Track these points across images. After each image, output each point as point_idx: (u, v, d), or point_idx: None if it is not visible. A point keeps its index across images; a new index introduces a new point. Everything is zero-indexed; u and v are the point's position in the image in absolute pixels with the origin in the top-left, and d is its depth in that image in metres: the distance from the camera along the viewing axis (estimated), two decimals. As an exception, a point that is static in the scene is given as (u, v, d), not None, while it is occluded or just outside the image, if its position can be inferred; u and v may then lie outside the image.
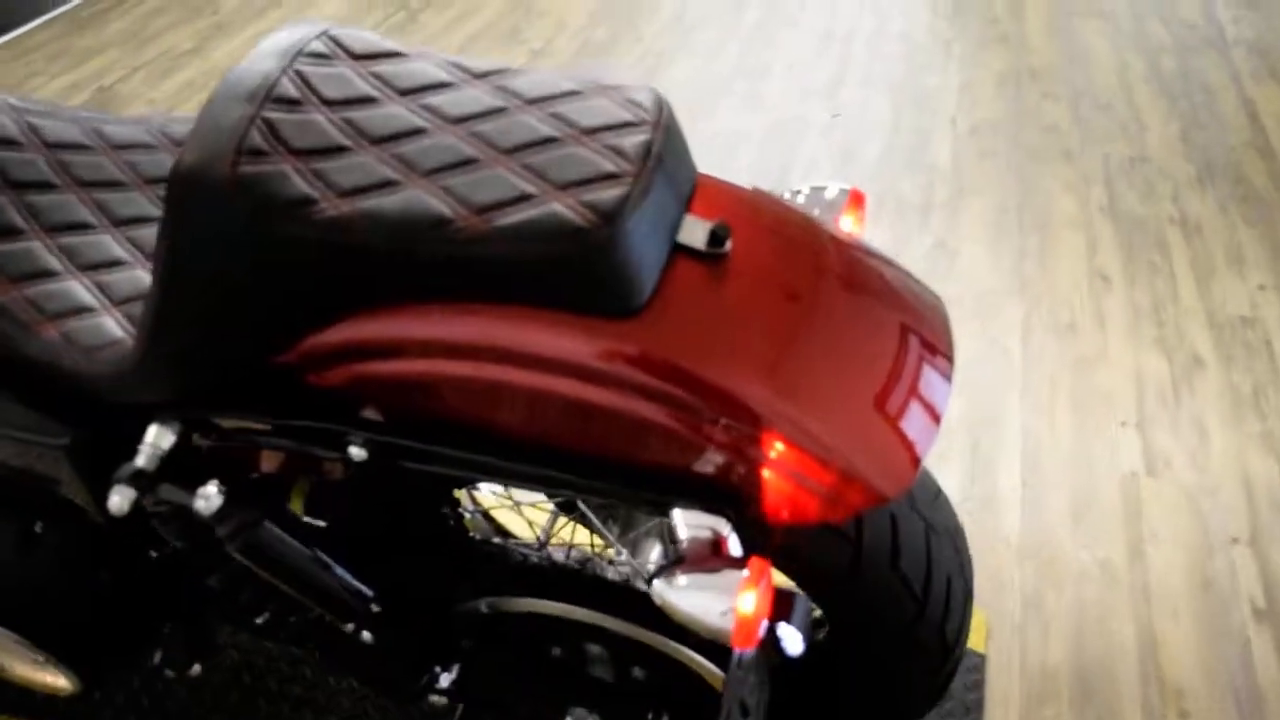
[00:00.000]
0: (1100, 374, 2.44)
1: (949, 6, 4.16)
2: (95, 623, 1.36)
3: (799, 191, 1.22)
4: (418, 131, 1.02)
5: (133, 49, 4.11)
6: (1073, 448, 2.25)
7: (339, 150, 1.00)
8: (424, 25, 4.15)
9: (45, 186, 1.24)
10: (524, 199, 0.95)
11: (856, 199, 1.20)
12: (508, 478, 1.05)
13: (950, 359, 1.08)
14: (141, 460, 1.09)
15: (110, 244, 1.23)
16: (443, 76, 1.08)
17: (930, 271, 2.75)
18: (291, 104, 1.02)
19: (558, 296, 0.95)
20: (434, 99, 1.06)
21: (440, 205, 0.95)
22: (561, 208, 0.93)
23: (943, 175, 3.15)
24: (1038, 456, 2.23)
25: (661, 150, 1.00)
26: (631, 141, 0.99)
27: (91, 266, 1.20)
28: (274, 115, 1.00)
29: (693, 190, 1.07)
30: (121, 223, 1.26)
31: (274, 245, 0.95)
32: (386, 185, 0.97)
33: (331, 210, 0.94)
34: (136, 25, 4.33)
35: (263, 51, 1.06)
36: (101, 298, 1.17)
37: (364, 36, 1.11)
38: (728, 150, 3.22)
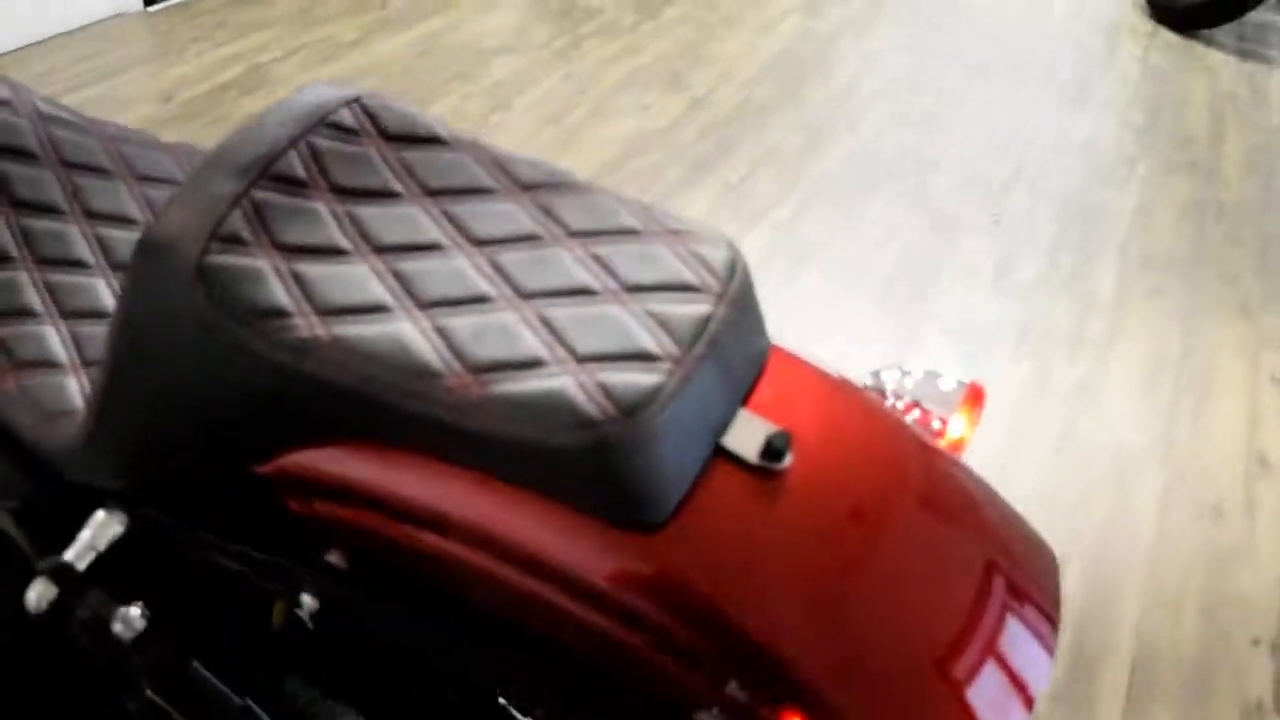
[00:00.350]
0: (1240, 575, 2.15)
1: (1141, 119, 3.86)
2: (38, 690, 1.21)
3: (908, 373, 1.02)
4: (431, 247, 0.84)
5: (296, 30, 4.07)
6: (1193, 659, 1.97)
7: (333, 253, 0.82)
8: (585, 54, 4.02)
9: (49, 211, 1.09)
10: (532, 365, 0.76)
11: (975, 396, 0.99)
12: (475, 674, 0.87)
13: (1055, 623, 0.86)
14: (71, 554, 0.93)
15: (102, 291, 1.08)
16: (481, 179, 0.90)
17: (1067, 417, 2.49)
18: (292, 185, 0.85)
19: (557, 490, 0.76)
20: (462, 206, 0.87)
21: (430, 352, 0.77)
22: (574, 387, 0.74)
23: (1101, 308, 2.87)
24: (1152, 662, 1.96)
25: (720, 330, 0.80)
26: (684, 313, 0.80)
27: (74, 314, 1.05)
28: (266, 196, 0.83)
29: (757, 376, 0.87)
30: (122, 267, 1.11)
31: (232, 353, 0.78)
32: (376, 311, 0.79)
33: (304, 330, 0.77)
34: (304, 6, 4.29)
35: (277, 113, 0.89)
36: (74, 354, 1.02)
37: (404, 112, 0.94)
38: (876, 244, 2.99)
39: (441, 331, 0.78)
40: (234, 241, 0.81)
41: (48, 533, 1.03)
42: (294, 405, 0.79)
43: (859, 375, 1.04)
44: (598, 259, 0.84)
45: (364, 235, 0.85)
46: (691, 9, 4.50)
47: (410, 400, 0.76)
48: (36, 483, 1.00)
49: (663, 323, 0.79)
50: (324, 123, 0.90)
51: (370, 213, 0.86)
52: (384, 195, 0.88)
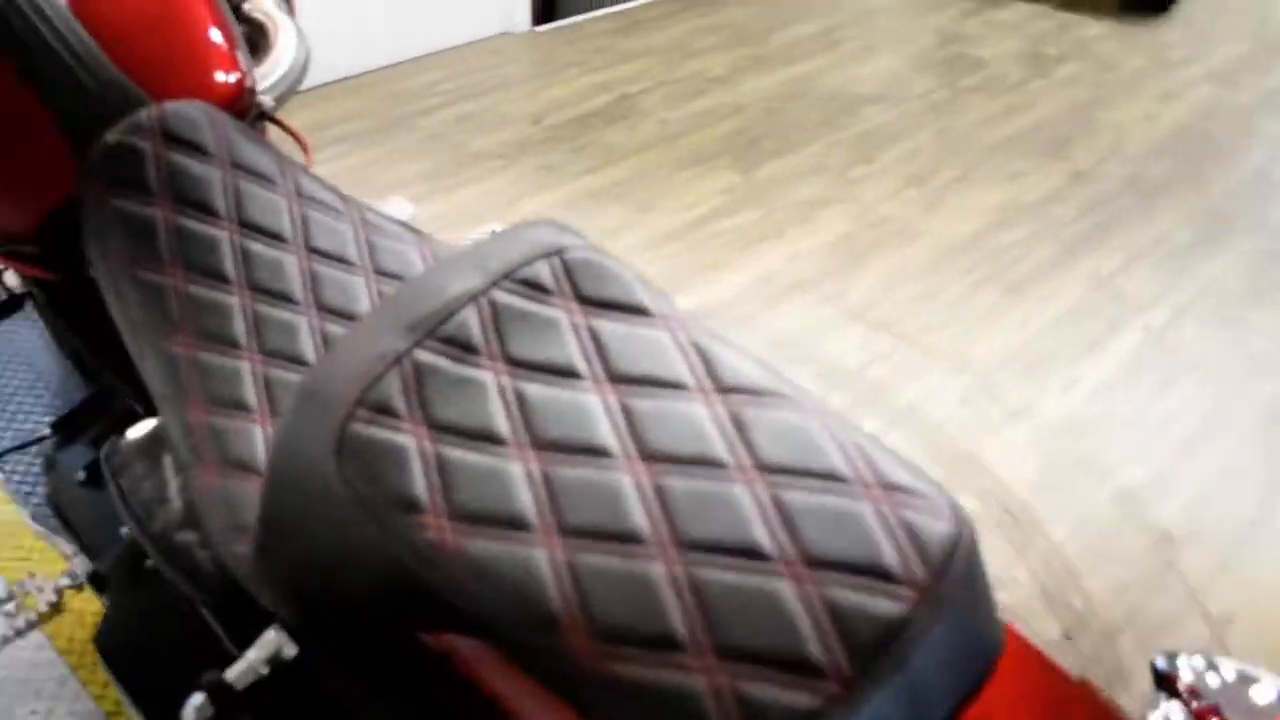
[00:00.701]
0: None
1: None
2: None
3: (1216, 667, 0.80)
4: (596, 452, 0.71)
5: (668, 63, 4.06)
6: None
7: (487, 440, 0.72)
8: (965, 108, 3.78)
9: (284, 299, 1.03)
10: (665, 647, 0.61)
11: None
12: None
13: None
14: (234, 672, 0.86)
15: None
16: (676, 369, 0.76)
17: None
18: (462, 349, 0.75)
19: None
20: (646, 401, 0.74)
21: (558, 600, 0.64)
22: (708, 694, 0.59)
23: None
24: None
25: (914, 642, 0.61)
26: (871, 612, 0.61)
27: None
28: (431, 359, 0.73)
29: (971, 691, 0.67)
30: None
31: (358, 534, 0.69)
32: (514, 528, 0.67)
33: (433, 532, 0.67)
34: (682, 40, 4.28)
35: (467, 259, 0.80)
36: None
37: (609, 272, 0.81)
38: (1263, 367, 2.61)
39: (576, 573, 0.65)
40: (383, 411, 0.71)
41: (240, 630, 0.98)
42: (422, 603, 0.69)
43: (1145, 656, 0.83)
44: (782, 510, 0.67)
45: (527, 422, 0.73)
46: (1087, 68, 4.16)
47: (528, 650, 0.64)
48: (227, 581, 0.95)
49: (840, 621, 0.61)
50: (513, 275, 0.79)
51: (540, 394, 0.75)
52: (561, 374, 0.76)
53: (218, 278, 1.03)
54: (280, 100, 1.43)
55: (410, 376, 0.73)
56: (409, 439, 0.71)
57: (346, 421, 0.71)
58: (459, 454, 0.71)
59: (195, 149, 1.09)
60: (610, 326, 0.79)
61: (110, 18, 1.19)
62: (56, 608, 1.89)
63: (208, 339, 0.99)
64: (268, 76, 1.45)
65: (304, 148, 1.46)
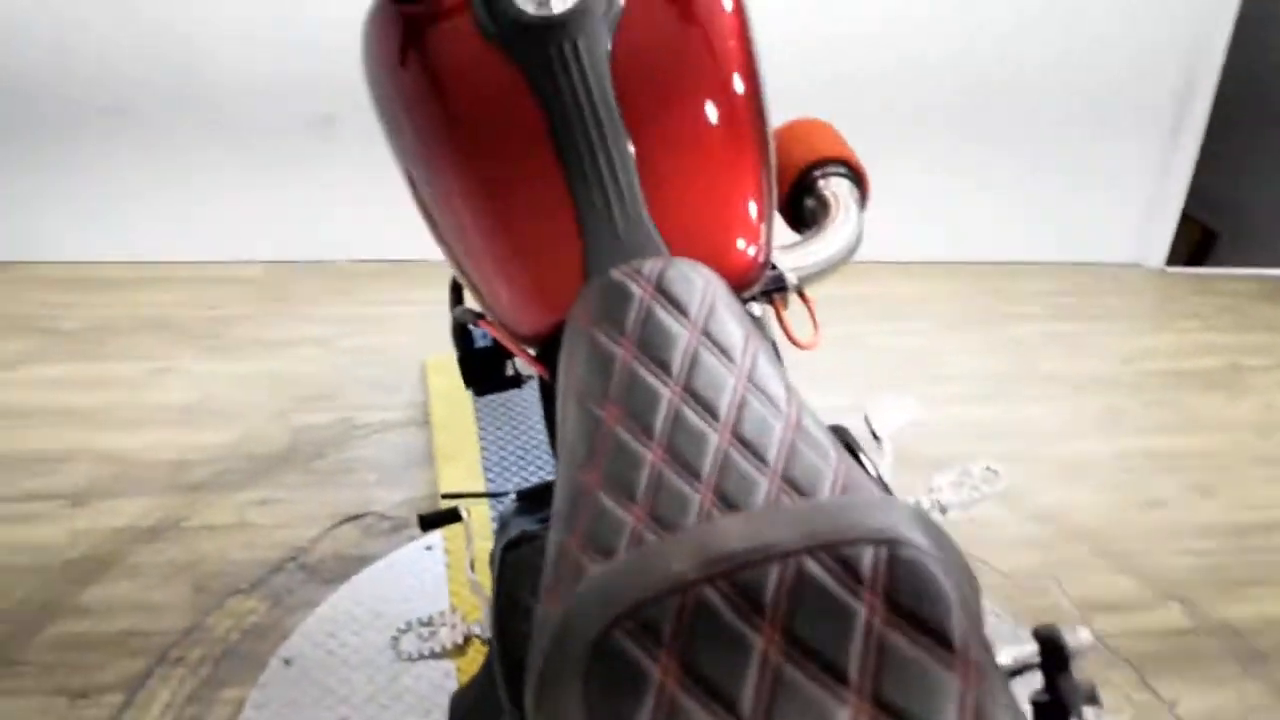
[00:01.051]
0: None
1: None
2: None
3: None
4: None
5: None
6: None
7: (727, 709, 0.68)
8: None
9: (692, 474, 1.02)
10: None
11: None
12: None
13: None
14: None
15: None
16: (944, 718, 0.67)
17: None
18: (749, 604, 0.71)
19: None
20: None
21: None
22: None
23: None
24: None
25: None
26: None
27: None
28: (713, 600, 0.71)
29: None
30: None
31: None
32: None
33: None
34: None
35: (798, 512, 0.79)
36: None
37: (932, 583, 0.73)
38: None
39: None
40: (647, 633, 0.70)
41: None
42: None
43: None
44: None
45: (770, 708, 0.68)
46: None
47: None
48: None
49: None
50: (834, 551, 0.74)
51: (799, 685, 0.69)
52: (831, 673, 0.69)
53: (645, 430, 1.06)
54: (806, 279, 1.45)
55: (689, 609, 0.72)
56: (657, 671, 0.70)
57: (612, 625, 0.71)
58: (694, 709, 0.69)
59: (678, 307, 1.15)
60: (903, 645, 0.72)
61: (664, 169, 1.30)
62: (461, 649, 2.03)
63: (610, 481, 1.03)
64: (809, 255, 1.48)
65: (814, 326, 1.47)
